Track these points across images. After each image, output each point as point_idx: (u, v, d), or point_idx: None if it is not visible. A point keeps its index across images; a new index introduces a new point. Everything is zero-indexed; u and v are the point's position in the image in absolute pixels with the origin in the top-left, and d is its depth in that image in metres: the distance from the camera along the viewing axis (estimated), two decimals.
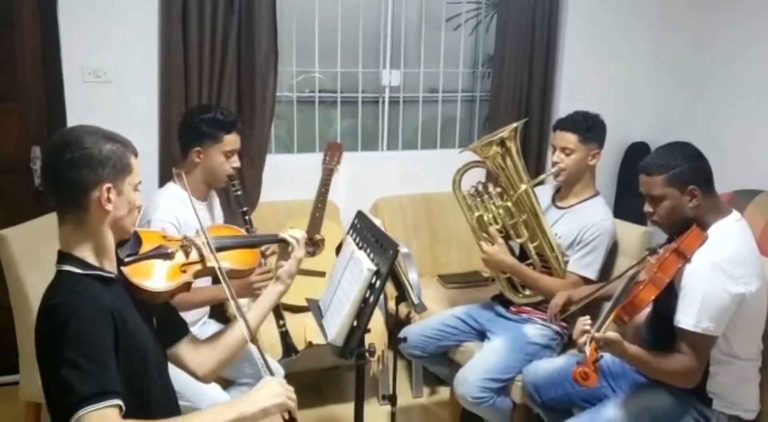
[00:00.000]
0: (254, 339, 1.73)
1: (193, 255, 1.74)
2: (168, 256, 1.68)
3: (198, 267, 1.73)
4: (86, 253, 1.51)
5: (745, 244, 2.00)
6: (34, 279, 2.28)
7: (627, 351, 1.92)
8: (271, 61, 3.28)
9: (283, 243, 1.92)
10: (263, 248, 2.31)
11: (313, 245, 2.02)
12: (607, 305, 2.00)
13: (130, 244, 1.65)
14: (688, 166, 2.00)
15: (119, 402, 1.35)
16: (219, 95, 3.23)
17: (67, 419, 1.31)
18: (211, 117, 2.44)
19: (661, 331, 2.05)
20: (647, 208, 2.10)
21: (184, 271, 1.69)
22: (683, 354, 1.93)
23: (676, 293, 1.96)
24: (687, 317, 1.92)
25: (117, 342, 1.43)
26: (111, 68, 3.12)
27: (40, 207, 2.85)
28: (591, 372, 1.78)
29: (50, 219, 2.42)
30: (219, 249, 1.79)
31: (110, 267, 1.55)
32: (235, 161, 2.51)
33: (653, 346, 2.05)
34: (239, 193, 2.56)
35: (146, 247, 1.68)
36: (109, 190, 1.48)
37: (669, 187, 2.01)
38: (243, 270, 1.88)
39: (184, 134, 2.51)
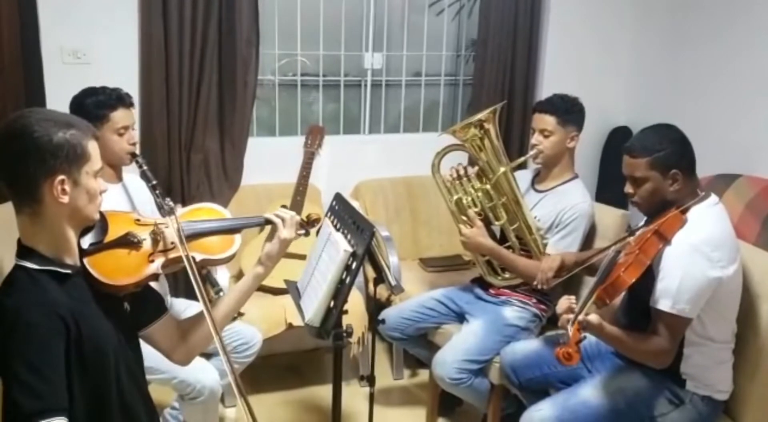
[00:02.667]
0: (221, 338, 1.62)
1: (163, 243, 1.63)
2: (135, 245, 1.58)
3: (168, 256, 1.63)
4: (43, 246, 1.43)
5: (722, 228, 2.03)
6: (11, 257, 2.27)
7: (605, 331, 1.94)
8: (253, 43, 3.27)
9: (269, 224, 1.83)
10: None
11: (308, 224, 1.96)
12: (589, 285, 2.02)
13: (95, 231, 1.56)
14: (673, 150, 2.01)
15: (62, 419, 1.30)
16: (200, 78, 3.22)
17: None
18: (94, 99, 2.36)
19: (637, 314, 2.08)
20: (628, 188, 2.10)
21: (152, 261, 1.60)
22: (658, 335, 1.96)
23: (653, 275, 1.98)
24: (664, 298, 1.94)
25: (68, 347, 1.37)
26: (90, 50, 3.10)
27: None
28: (574, 353, 1.78)
29: None
30: (193, 235, 1.70)
31: (71, 259, 1.47)
32: (131, 138, 2.42)
33: (629, 329, 2.07)
34: (145, 167, 2.45)
35: (113, 234, 1.57)
36: (62, 182, 1.38)
37: (652, 169, 2.02)
38: (217, 259, 1.78)
39: None
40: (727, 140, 3.41)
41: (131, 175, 2.52)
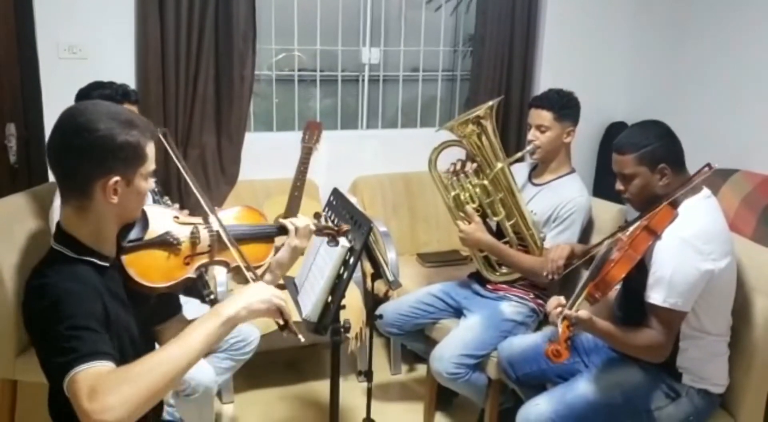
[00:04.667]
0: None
1: (202, 246, 1.61)
2: (173, 246, 1.56)
3: (204, 259, 1.61)
4: (84, 236, 1.43)
5: (714, 221, 2.04)
6: (10, 257, 2.27)
7: (596, 326, 1.95)
8: (249, 38, 3.26)
9: (285, 233, 1.78)
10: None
11: (338, 234, 1.86)
12: (580, 282, 2.03)
13: (136, 228, 1.54)
14: (659, 145, 2.03)
15: (113, 363, 1.27)
16: (197, 73, 3.21)
17: (62, 381, 1.24)
18: (100, 93, 2.36)
19: (632, 308, 2.09)
20: (619, 185, 2.13)
21: (188, 263, 1.59)
22: (652, 329, 1.96)
23: (647, 269, 1.99)
24: (656, 292, 1.95)
25: (106, 320, 1.38)
26: (87, 45, 3.10)
27: (16, 184, 2.83)
28: (563, 350, 1.80)
29: (25, 197, 2.42)
30: (234, 240, 1.66)
31: (108, 251, 1.47)
32: None
33: (624, 322, 2.08)
34: None
35: (153, 231, 1.55)
36: (116, 182, 1.38)
37: (640, 165, 2.04)
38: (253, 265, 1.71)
39: None
40: (724, 135, 3.42)
41: None
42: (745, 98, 3.35)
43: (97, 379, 1.22)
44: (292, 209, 3.19)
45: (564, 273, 2.37)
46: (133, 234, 1.53)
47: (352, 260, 1.83)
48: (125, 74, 3.13)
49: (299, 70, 3.75)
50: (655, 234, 1.97)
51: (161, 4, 3.08)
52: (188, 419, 2.45)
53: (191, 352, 1.31)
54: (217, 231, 1.63)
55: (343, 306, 1.91)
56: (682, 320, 1.98)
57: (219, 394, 2.93)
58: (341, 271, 1.85)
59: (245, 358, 2.61)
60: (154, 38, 3.11)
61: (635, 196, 2.09)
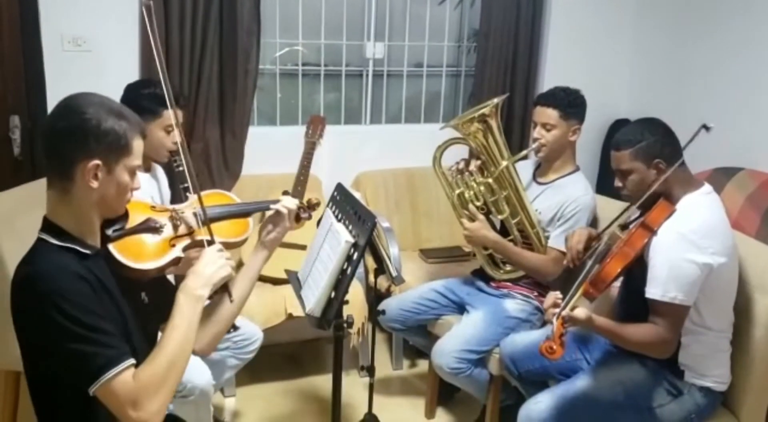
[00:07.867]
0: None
1: (183, 228, 1.69)
2: (157, 230, 1.62)
3: (188, 240, 1.68)
4: (68, 223, 1.45)
5: (714, 217, 2.04)
6: (13, 250, 2.27)
7: (595, 324, 1.94)
8: (254, 32, 3.26)
9: (276, 214, 1.87)
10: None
11: (310, 208, 2.01)
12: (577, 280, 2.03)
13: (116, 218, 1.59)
14: (654, 140, 2.05)
15: (133, 360, 1.38)
16: (200, 67, 3.21)
17: (87, 387, 1.34)
18: (150, 92, 2.35)
19: (634, 306, 2.08)
20: (617, 182, 2.15)
21: (173, 245, 1.64)
22: (654, 325, 1.96)
23: (647, 266, 1.99)
24: (655, 287, 1.95)
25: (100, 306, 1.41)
26: (91, 37, 3.09)
27: (18, 177, 2.83)
28: (557, 347, 1.82)
29: (28, 190, 2.42)
30: (210, 219, 1.73)
31: (92, 240, 1.49)
32: (176, 136, 2.40)
33: (626, 320, 2.07)
34: (181, 168, 2.46)
35: (133, 220, 1.60)
36: (97, 167, 1.40)
37: (635, 160, 2.05)
38: (234, 242, 1.84)
39: None
40: (728, 133, 3.40)
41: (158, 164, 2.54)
42: (750, 96, 3.33)
43: (135, 388, 1.37)
44: None
45: (585, 257, 2.30)
46: (116, 224, 1.58)
47: (355, 256, 1.83)
48: (129, 67, 3.13)
49: (303, 65, 3.74)
50: (651, 230, 1.99)
51: None
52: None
53: (191, 341, 1.50)
54: (195, 213, 1.71)
55: (346, 302, 1.91)
56: (685, 314, 1.98)
57: (221, 388, 2.93)
58: (345, 267, 1.85)
59: (248, 358, 2.61)
60: (158, 31, 3.10)
61: (632, 192, 2.11)
